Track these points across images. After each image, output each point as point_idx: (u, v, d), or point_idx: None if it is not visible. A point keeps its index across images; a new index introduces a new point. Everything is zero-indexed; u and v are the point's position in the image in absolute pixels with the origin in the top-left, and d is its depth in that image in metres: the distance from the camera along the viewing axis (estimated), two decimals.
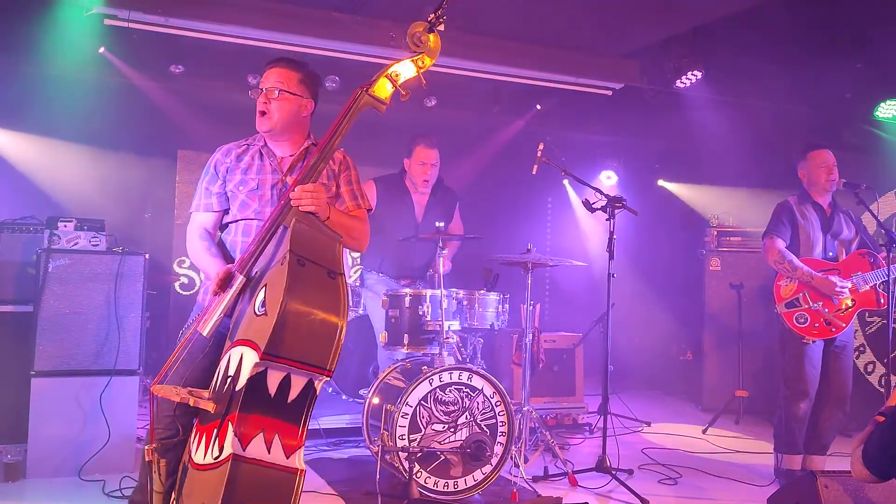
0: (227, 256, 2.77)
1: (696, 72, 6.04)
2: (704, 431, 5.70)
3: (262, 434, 2.13)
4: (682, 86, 6.18)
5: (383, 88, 2.53)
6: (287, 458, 2.16)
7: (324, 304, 2.18)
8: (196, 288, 6.13)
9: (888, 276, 4.16)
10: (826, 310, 4.18)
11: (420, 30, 2.52)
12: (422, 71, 2.57)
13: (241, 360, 2.16)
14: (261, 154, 2.83)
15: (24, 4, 4.94)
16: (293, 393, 2.17)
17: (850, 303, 4.20)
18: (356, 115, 2.50)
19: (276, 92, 2.72)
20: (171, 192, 6.59)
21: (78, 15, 5.00)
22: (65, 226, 4.16)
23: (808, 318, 4.21)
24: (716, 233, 6.66)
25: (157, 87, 6.14)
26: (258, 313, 2.19)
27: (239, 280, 2.37)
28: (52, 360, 4.02)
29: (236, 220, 2.79)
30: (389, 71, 2.53)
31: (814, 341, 4.19)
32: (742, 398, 6.07)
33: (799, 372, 4.19)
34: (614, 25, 5.78)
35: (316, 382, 2.20)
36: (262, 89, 2.74)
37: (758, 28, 5.46)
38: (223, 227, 2.88)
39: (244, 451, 2.08)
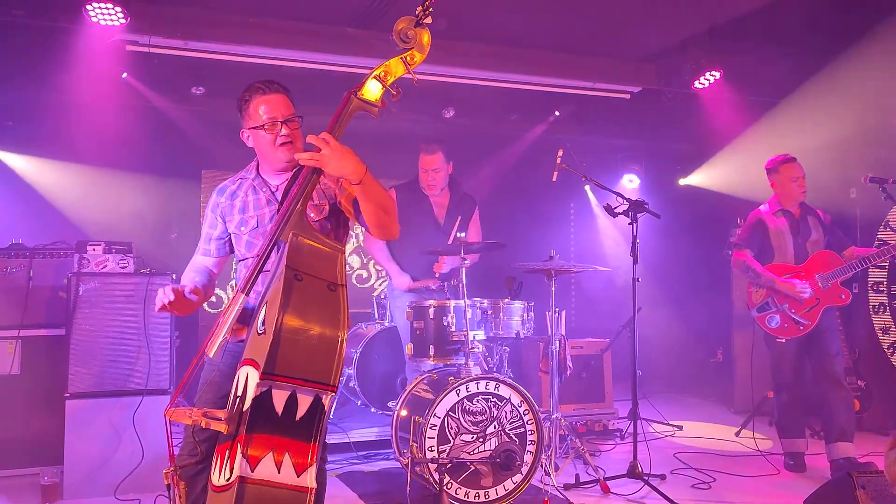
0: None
1: (714, 72, 6.00)
2: (737, 434, 5.63)
3: (271, 454, 2.08)
4: (701, 86, 6.14)
5: (372, 90, 2.39)
6: (298, 476, 2.11)
7: (321, 318, 2.12)
8: (223, 307, 6.19)
9: (848, 272, 4.48)
10: (792, 311, 4.51)
11: (406, 25, 2.38)
12: (412, 68, 2.42)
13: (247, 380, 2.14)
14: (254, 188, 2.71)
15: (48, 34, 5.05)
16: (301, 410, 2.11)
17: (815, 301, 4.50)
18: (347, 120, 2.38)
19: (296, 120, 2.62)
20: (196, 212, 6.69)
21: (101, 43, 5.10)
22: (93, 249, 4.24)
23: (779, 320, 4.57)
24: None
25: (179, 109, 6.24)
26: (259, 332, 2.17)
27: (241, 300, 2.32)
28: (85, 382, 4.09)
29: (244, 259, 2.73)
30: (377, 71, 2.40)
31: (785, 340, 4.55)
32: (774, 399, 5.97)
33: (778, 368, 4.66)
34: (630, 29, 5.77)
35: (324, 398, 2.13)
36: (279, 120, 2.57)
37: (775, 25, 5.42)
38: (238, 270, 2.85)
39: (252, 472, 2.05)
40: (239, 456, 2.06)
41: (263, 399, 2.08)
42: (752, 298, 4.70)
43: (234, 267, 2.81)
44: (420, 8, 2.38)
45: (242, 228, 2.69)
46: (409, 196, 4.87)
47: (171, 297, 2.41)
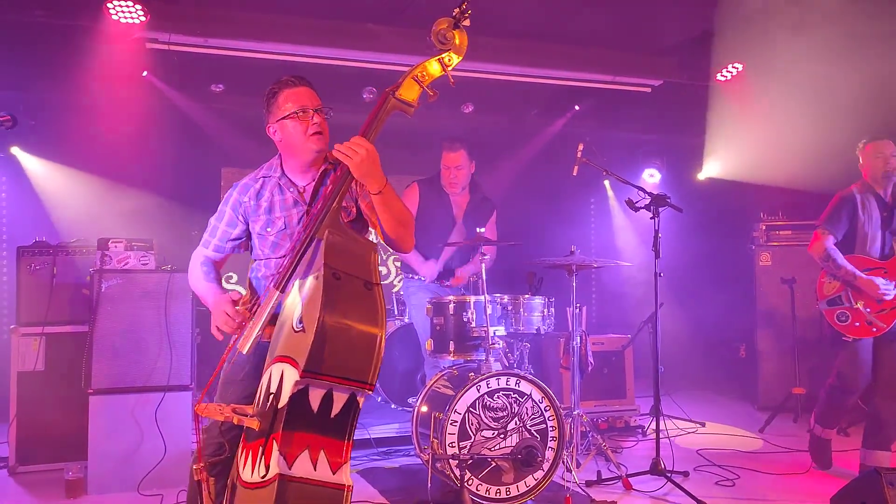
0: (255, 294, 2.68)
1: (736, 64, 5.92)
2: (761, 431, 5.56)
3: (307, 451, 2.10)
4: (723, 79, 6.07)
5: (410, 90, 2.42)
6: (333, 473, 2.13)
7: (361, 317, 2.13)
8: (248, 303, 6.20)
9: None
10: (868, 310, 4.15)
11: (445, 26, 2.40)
12: (449, 69, 2.44)
13: (283, 377, 2.14)
14: (280, 187, 2.67)
15: (69, 34, 5.09)
16: (336, 408, 2.14)
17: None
18: (385, 119, 2.40)
19: (326, 111, 2.60)
20: (216, 209, 6.70)
21: (121, 41, 5.13)
22: (115, 246, 4.27)
23: (850, 317, 4.21)
24: (765, 227, 6.52)
25: (199, 107, 6.27)
26: (297, 329, 2.16)
27: (275, 296, 2.32)
28: (108, 378, 4.12)
29: (267, 258, 2.68)
30: (416, 72, 2.42)
31: (855, 339, 4.19)
32: (799, 395, 5.91)
33: (852, 370, 4.22)
34: (651, 21, 5.71)
35: (358, 396, 2.16)
36: (311, 109, 2.56)
37: (798, 14, 5.33)
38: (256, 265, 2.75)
39: (290, 469, 2.06)
40: (276, 453, 2.07)
41: (300, 396, 2.09)
42: (823, 290, 4.32)
43: (251, 265, 2.76)
44: (458, 9, 2.40)
45: (269, 229, 2.65)
46: (430, 190, 4.89)
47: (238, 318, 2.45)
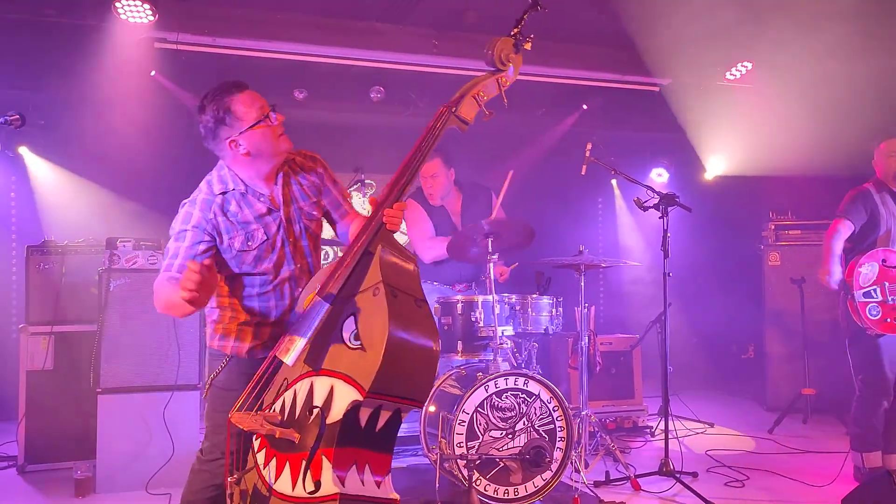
0: (250, 309, 2.55)
1: (745, 63, 5.89)
2: (771, 431, 5.54)
3: (354, 467, 2.07)
4: (732, 78, 6.04)
5: (470, 108, 2.38)
6: (378, 488, 2.11)
7: (420, 335, 2.10)
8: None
9: None
10: None
11: (508, 49, 2.39)
12: (504, 89, 2.44)
13: (333, 393, 2.10)
14: (247, 200, 2.54)
15: (78, 32, 5.10)
16: (381, 423, 2.11)
17: None
18: (441, 135, 2.35)
19: (274, 106, 2.55)
20: None
21: (130, 40, 5.14)
22: (124, 245, 4.27)
23: (881, 312, 4.08)
24: (774, 227, 6.48)
25: None
26: (352, 346, 2.11)
27: (325, 308, 2.23)
28: (117, 378, 4.13)
29: (250, 274, 2.55)
30: (476, 90, 2.39)
31: (878, 335, 4.07)
32: (809, 396, 5.88)
33: (876, 370, 4.09)
34: (659, 20, 5.68)
35: (402, 413, 2.14)
36: (271, 108, 2.51)
37: (807, 12, 5.30)
38: (232, 285, 2.58)
39: (344, 487, 2.03)
40: (329, 470, 2.04)
41: (352, 413, 2.05)
42: (860, 280, 4.12)
43: (222, 293, 2.64)
44: (516, 30, 2.40)
45: (250, 243, 2.51)
46: (425, 204, 4.85)
47: (196, 275, 2.09)
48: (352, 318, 2.14)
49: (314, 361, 2.21)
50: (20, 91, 5.71)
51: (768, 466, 4.58)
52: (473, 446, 3.71)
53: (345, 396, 2.06)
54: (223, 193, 2.52)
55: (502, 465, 3.75)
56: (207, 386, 2.60)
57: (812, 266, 6.18)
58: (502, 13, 5.38)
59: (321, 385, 2.14)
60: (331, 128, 6.74)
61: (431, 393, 4.08)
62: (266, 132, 2.47)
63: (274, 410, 2.26)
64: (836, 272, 4.19)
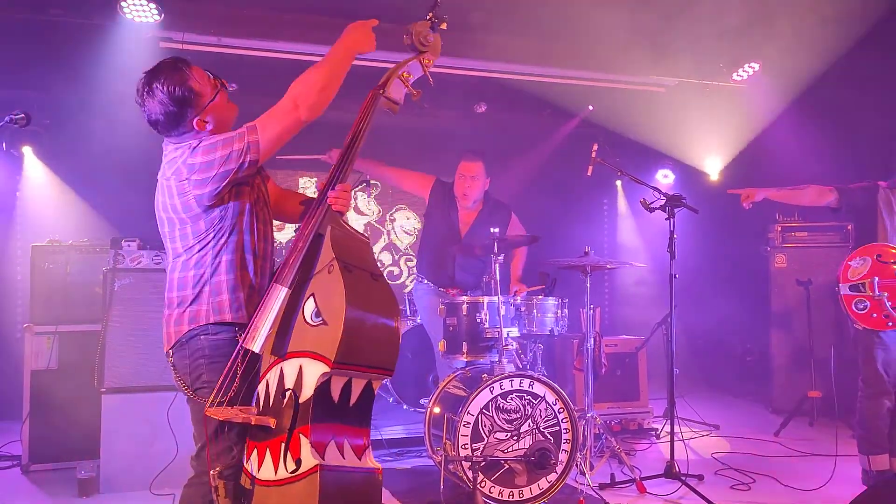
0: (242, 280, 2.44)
1: (752, 64, 5.87)
2: (777, 434, 5.51)
3: (333, 440, 2.16)
4: (739, 79, 6.01)
5: (398, 89, 2.53)
6: (359, 459, 2.20)
7: (379, 306, 2.21)
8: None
9: None
10: (889, 302, 4.02)
11: (425, 30, 2.55)
12: (427, 70, 2.58)
13: (302, 372, 2.17)
14: None
15: (84, 32, 5.10)
16: (354, 396, 2.20)
17: None
18: (373, 116, 2.48)
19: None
20: None
21: (135, 40, 5.14)
22: (128, 245, 4.27)
23: (868, 306, 4.07)
24: (780, 228, 6.45)
25: None
26: (313, 323, 2.20)
27: (284, 293, 2.30)
28: (121, 378, 4.12)
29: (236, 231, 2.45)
30: (400, 72, 2.53)
31: (865, 329, 4.04)
32: (815, 399, 5.85)
33: (873, 368, 4.05)
34: (666, 21, 5.66)
35: (374, 383, 2.24)
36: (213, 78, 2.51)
37: (816, 14, 5.28)
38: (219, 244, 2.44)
39: (324, 459, 2.11)
40: (307, 446, 2.11)
41: (323, 388, 2.14)
42: (848, 273, 4.13)
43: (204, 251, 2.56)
44: (431, 13, 2.57)
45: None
46: (442, 194, 4.86)
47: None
48: (311, 298, 2.23)
49: (280, 348, 2.29)
50: (26, 90, 5.72)
51: (775, 470, 4.55)
52: (478, 448, 3.70)
53: (314, 372, 2.14)
54: None
55: (507, 466, 3.73)
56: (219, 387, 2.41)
57: (819, 268, 6.19)
58: (507, 14, 5.41)
59: (290, 368, 2.22)
60: (335, 127, 6.69)
61: (436, 394, 4.07)
62: (224, 97, 2.48)
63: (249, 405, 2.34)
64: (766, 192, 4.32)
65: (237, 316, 2.40)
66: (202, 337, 2.39)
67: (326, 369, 2.10)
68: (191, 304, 2.40)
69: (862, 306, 4.07)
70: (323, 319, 2.17)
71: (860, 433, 4.19)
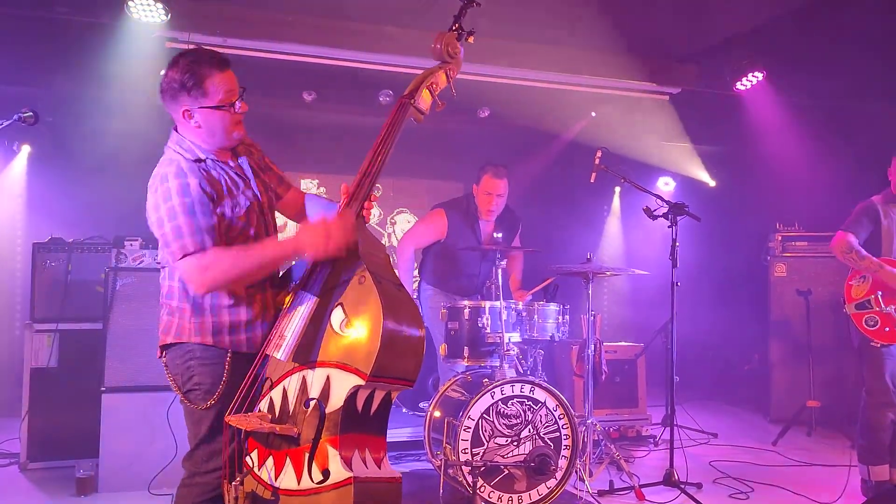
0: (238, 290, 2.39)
1: (756, 73, 5.89)
2: (775, 443, 5.51)
3: (356, 451, 2.14)
4: (743, 88, 6.03)
5: (426, 99, 2.52)
6: (379, 468, 2.19)
7: (408, 317, 2.19)
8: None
9: None
10: None
11: (452, 41, 2.53)
12: (451, 80, 2.58)
13: (330, 382, 2.15)
14: (218, 166, 2.42)
15: (90, 31, 5.11)
16: (374, 405, 2.19)
17: None
18: (402, 125, 2.45)
19: (242, 92, 2.45)
20: None
21: (141, 39, 5.14)
22: (131, 244, 4.27)
23: (879, 321, 4.06)
24: (781, 238, 6.46)
25: None
26: (343, 334, 2.17)
27: (313, 301, 2.26)
28: (121, 377, 4.11)
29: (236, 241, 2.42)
30: (429, 81, 2.52)
31: (883, 345, 4.03)
32: (814, 409, 5.85)
33: (880, 380, 4.04)
34: (670, 28, 5.68)
35: (393, 393, 2.22)
36: (237, 98, 2.41)
37: (821, 24, 5.30)
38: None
39: (352, 471, 2.09)
40: (337, 457, 2.09)
41: (351, 400, 2.12)
42: (852, 293, 4.17)
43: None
44: (458, 24, 2.54)
45: (237, 210, 2.40)
46: (459, 217, 4.73)
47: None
48: (339, 308, 2.20)
49: (306, 355, 2.23)
50: (30, 87, 5.71)
51: (773, 479, 4.55)
52: (478, 453, 3.70)
53: (344, 383, 2.12)
54: (198, 161, 2.38)
55: (507, 472, 3.74)
56: (220, 392, 2.35)
57: (819, 277, 6.21)
58: (512, 19, 5.42)
59: (317, 377, 2.18)
60: (338, 130, 6.74)
61: (437, 398, 4.07)
62: (224, 117, 2.39)
63: (260, 410, 2.27)
64: (873, 258, 4.09)
65: (217, 340, 2.34)
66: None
67: (360, 382, 2.08)
68: (177, 317, 2.39)
69: (873, 322, 4.06)
70: (353, 331, 2.15)
71: (861, 443, 4.18)
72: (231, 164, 2.48)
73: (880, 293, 4.06)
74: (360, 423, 2.17)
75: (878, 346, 4.05)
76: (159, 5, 4.81)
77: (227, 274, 2.27)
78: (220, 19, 5.22)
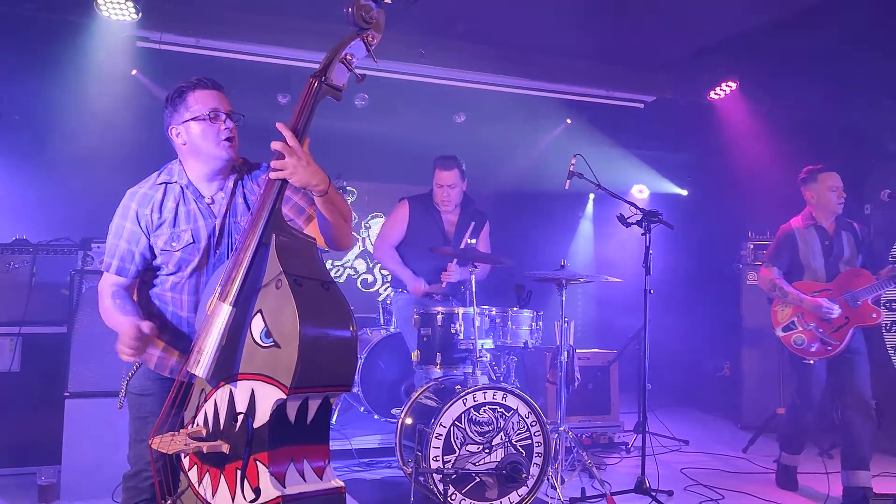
0: (160, 314, 2.45)
1: (730, 83, 5.94)
2: (745, 450, 5.54)
3: (292, 464, 2.03)
4: (717, 97, 6.08)
5: (339, 74, 2.23)
6: (321, 479, 2.07)
7: (334, 319, 2.05)
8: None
9: (880, 290, 4.24)
10: (820, 330, 4.29)
11: (370, 3, 2.22)
12: (372, 49, 2.26)
13: (254, 396, 2.03)
14: (184, 197, 2.43)
15: (59, 28, 5.01)
16: (310, 414, 2.07)
17: (844, 320, 4.27)
18: (315, 107, 2.20)
19: (237, 118, 2.43)
20: None
21: (111, 38, 5.06)
22: (98, 246, 4.19)
23: (805, 340, 4.34)
24: (752, 246, 6.51)
25: None
26: (265, 345, 2.04)
27: (229, 311, 2.10)
28: (86, 382, 4.02)
29: (171, 274, 2.44)
30: (344, 54, 2.22)
31: (813, 362, 4.33)
32: (783, 416, 5.88)
33: (807, 390, 4.37)
34: (645, 38, 5.71)
35: (332, 399, 2.11)
36: (224, 112, 2.39)
37: (793, 36, 5.36)
38: (152, 279, 2.49)
39: (285, 488, 1.98)
40: (266, 474, 1.98)
41: (278, 412, 2.00)
42: (777, 317, 4.49)
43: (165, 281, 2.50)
44: None
45: (174, 244, 2.39)
46: (421, 209, 4.83)
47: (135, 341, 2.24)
48: (259, 315, 2.07)
49: (228, 368, 2.12)
50: None
51: (743, 486, 4.58)
52: (450, 460, 3.67)
53: (267, 397, 1.99)
54: (165, 184, 2.43)
55: (478, 479, 3.71)
56: (123, 393, 2.48)
57: None
58: (489, 26, 5.42)
59: (241, 390, 2.07)
60: (313, 133, 6.66)
61: (408, 405, 4.03)
62: (206, 129, 2.36)
63: (198, 425, 2.18)
64: (815, 300, 4.32)
65: (145, 357, 2.41)
66: None
67: (282, 395, 1.95)
68: None
69: (801, 342, 4.35)
70: (274, 341, 2.01)
71: (782, 432, 4.70)
72: (207, 194, 2.44)
73: (801, 313, 4.38)
74: (295, 435, 2.04)
75: (812, 362, 4.34)
76: (129, 4, 4.73)
77: (102, 310, 2.45)
78: (193, 20, 5.16)
